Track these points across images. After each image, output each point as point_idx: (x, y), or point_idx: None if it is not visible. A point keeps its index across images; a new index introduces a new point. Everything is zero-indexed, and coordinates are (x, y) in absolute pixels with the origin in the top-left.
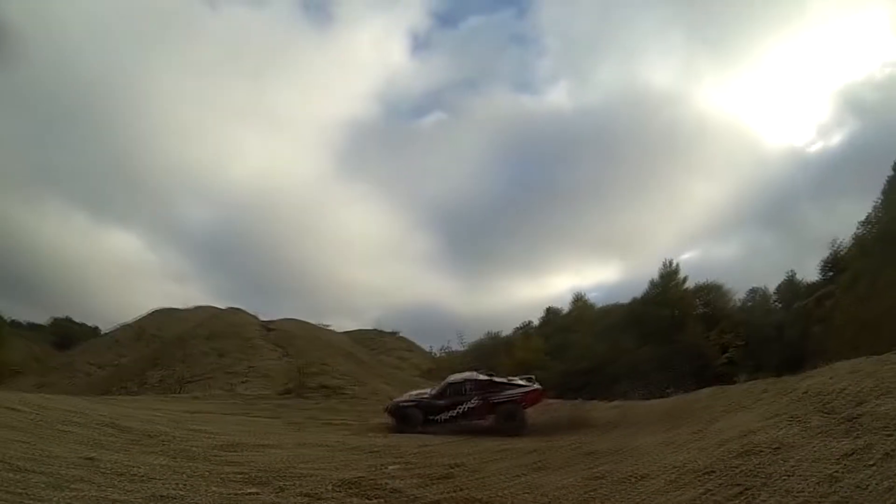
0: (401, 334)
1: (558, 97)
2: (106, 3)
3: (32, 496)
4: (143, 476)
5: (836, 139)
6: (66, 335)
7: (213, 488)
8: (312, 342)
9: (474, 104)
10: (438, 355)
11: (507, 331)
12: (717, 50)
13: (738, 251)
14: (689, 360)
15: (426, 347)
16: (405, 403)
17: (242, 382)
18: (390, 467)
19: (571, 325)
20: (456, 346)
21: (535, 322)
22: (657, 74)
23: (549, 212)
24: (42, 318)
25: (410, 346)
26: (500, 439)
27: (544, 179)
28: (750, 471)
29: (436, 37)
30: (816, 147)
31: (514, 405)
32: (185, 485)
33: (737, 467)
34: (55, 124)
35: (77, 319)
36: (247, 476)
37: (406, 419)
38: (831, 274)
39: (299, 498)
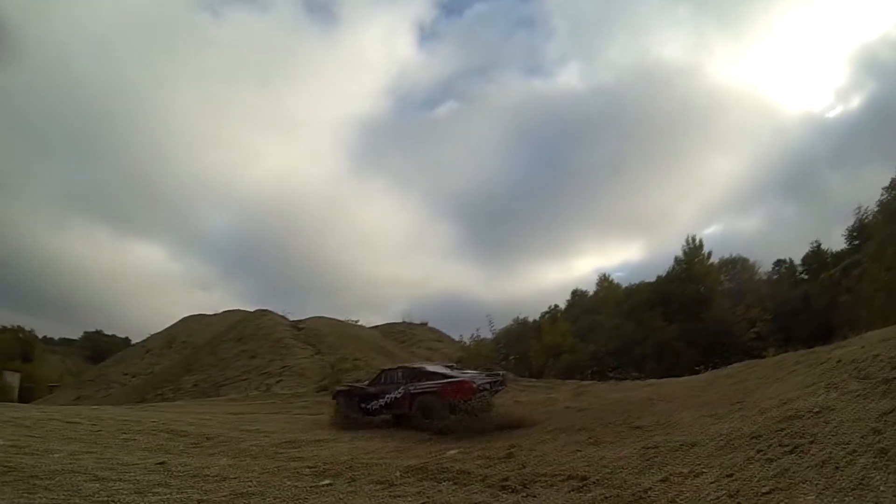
0: (429, 325)
1: (570, 79)
2: (109, 22)
3: (122, 502)
4: (216, 476)
5: (854, 102)
6: (98, 348)
7: (288, 482)
8: (343, 338)
9: (486, 91)
10: (468, 344)
11: (534, 315)
12: (726, 19)
13: (761, 223)
14: (717, 336)
15: (455, 337)
16: (340, 388)
17: (277, 382)
18: (449, 452)
19: (598, 307)
20: (485, 334)
21: (562, 305)
22: (668, 49)
23: (568, 194)
24: (74, 334)
25: (440, 337)
26: (549, 421)
27: (562, 162)
28: (796, 432)
29: (442, 27)
30: (835, 112)
31: (432, 397)
32: (258, 481)
33: (782, 430)
34: (69, 144)
35: (107, 332)
36: (316, 469)
37: (339, 406)
38: (857, 242)
39: (373, 486)
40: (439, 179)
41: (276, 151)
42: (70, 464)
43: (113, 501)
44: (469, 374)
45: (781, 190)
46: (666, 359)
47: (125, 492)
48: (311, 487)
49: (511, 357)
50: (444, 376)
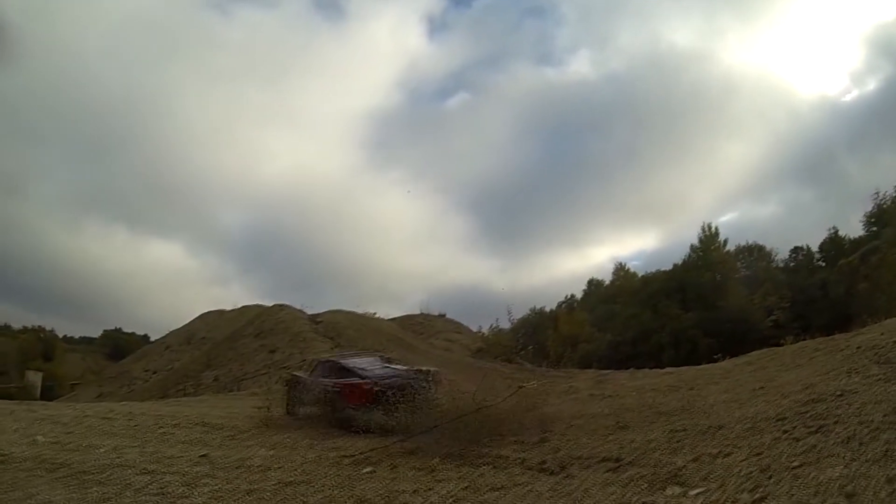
0: (447, 316)
1: (581, 67)
2: (117, 23)
3: (173, 494)
4: (259, 467)
5: (870, 86)
6: (118, 345)
7: (331, 471)
8: (361, 331)
9: (498, 81)
10: (487, 334)
11: (551, 305)
12: (738, 3)
13: (777, 210)
14: (734, 324)
15: (474, 328)
16: (286, 378)
17: None
18: (484, 438)
19: (614, 296)
20: (504, 325)
21: (578, 295)
22: (679, 34)
23: (583, 183)
24: (93, 332)
25: (458, 328)
26: (575, 408)
27: (575, 151)
28: (819, 414)
29: (451, 18)
30: (851, 96)
31: (336, 396)
32: (302, 471)
33: (806, 413)
34: (81, 145)
35: (126, 330)
36: (355, 458)
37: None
38: (875, 228)
39: (415, 472)
40: (453, 171)
41: (290, 147)
42: (116, 458)
43: (165, 493)
44: (393, 369)
45: (797, 176)
46: (683, 347)
47: (175, 484)
48: (354, 475)
49: (530, 347)
50: (354, 374)
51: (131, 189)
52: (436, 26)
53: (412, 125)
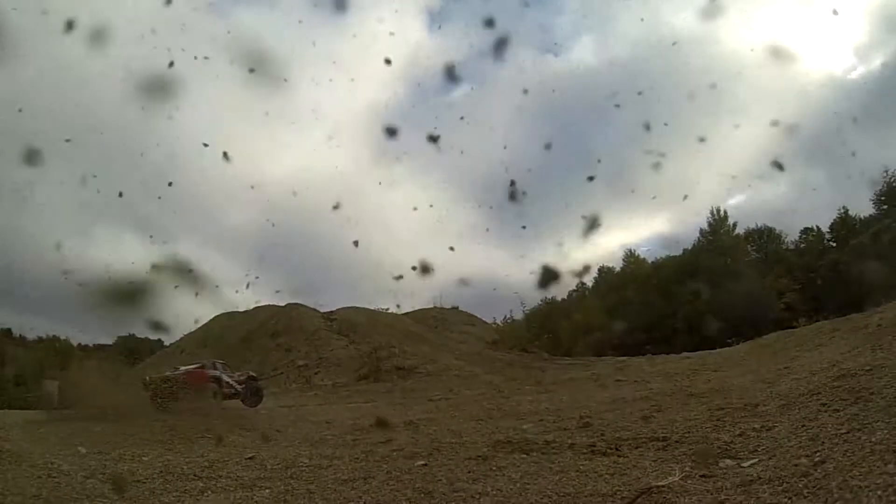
0: (461, 309)
1: (584, 54)
2: (122, 38)
3: (235, 500)
4: (311, 466)
5: (876, 62)
6: (133, 351)
7: (384, 466)
8: (375, 327)
9: (500, 71)
10: (501, 326)
11: (562, 294)
12: None
13: (786, 191)
14: (747, 308)
15: (488, 319)
16: None
17: (315, 374)
18: (526, 426)
19: (625, 283)
20: (518, 315)
21: (589, 283)
22: (681, 16)
23: (589, 170)
24: (107, 339)
25: (472, 320)
26: (606, 393)
27: (581, 138)
28: (852, 388)
29: (450, 8)
30: (857, 73)
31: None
32: (353, 468)
33: (839, 387)
34: (90, 155)
35: (140, 335)
36: (404, 452)
37: None
38: (886, 207)
39: (470, 461)
40: (460, 162)
41: (296, 145)
42: (162, 466)
43: (227, 500)
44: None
45: (806, 156)
46: (696, 332)
47: (232, 488)
48: (408, 469)
49: (545, 336)
50: None
51: (138, 195)
52: (435, 18)
53: (416, 118)
